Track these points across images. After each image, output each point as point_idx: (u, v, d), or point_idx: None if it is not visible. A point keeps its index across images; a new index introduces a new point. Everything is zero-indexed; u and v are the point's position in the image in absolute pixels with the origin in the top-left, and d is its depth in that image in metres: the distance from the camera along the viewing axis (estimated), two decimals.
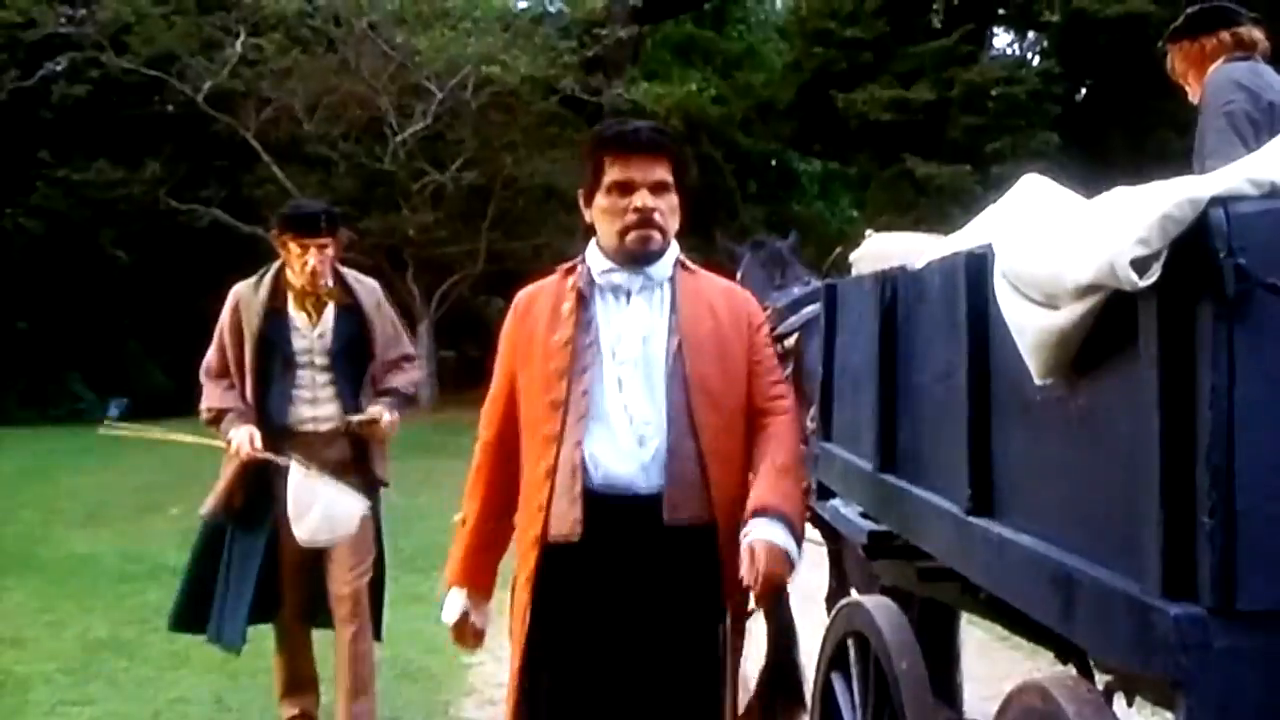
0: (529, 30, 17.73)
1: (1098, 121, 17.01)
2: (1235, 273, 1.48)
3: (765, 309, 5.24)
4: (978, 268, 2.17)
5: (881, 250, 3.56)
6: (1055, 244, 1.79)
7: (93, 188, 17.61)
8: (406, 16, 16.81)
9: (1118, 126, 16.13)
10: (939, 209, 15.46)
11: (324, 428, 4.65)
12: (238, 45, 16.41)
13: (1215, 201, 1.52)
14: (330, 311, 4.69)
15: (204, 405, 4.66)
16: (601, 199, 2.73)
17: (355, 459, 4.70)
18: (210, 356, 4.71)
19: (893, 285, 2.81)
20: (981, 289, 2.13)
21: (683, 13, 23.54)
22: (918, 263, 2.72)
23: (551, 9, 19.05)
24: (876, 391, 2.83)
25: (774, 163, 23.36)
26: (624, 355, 2.72)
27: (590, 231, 2.87)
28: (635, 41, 19.98)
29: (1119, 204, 1.68)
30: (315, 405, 4.66)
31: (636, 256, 2.72)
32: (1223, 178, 1.59)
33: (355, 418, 4.63)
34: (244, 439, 4.52)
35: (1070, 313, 1.72)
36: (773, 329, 4.97)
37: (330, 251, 4.67)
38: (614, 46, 18.07)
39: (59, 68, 17.42)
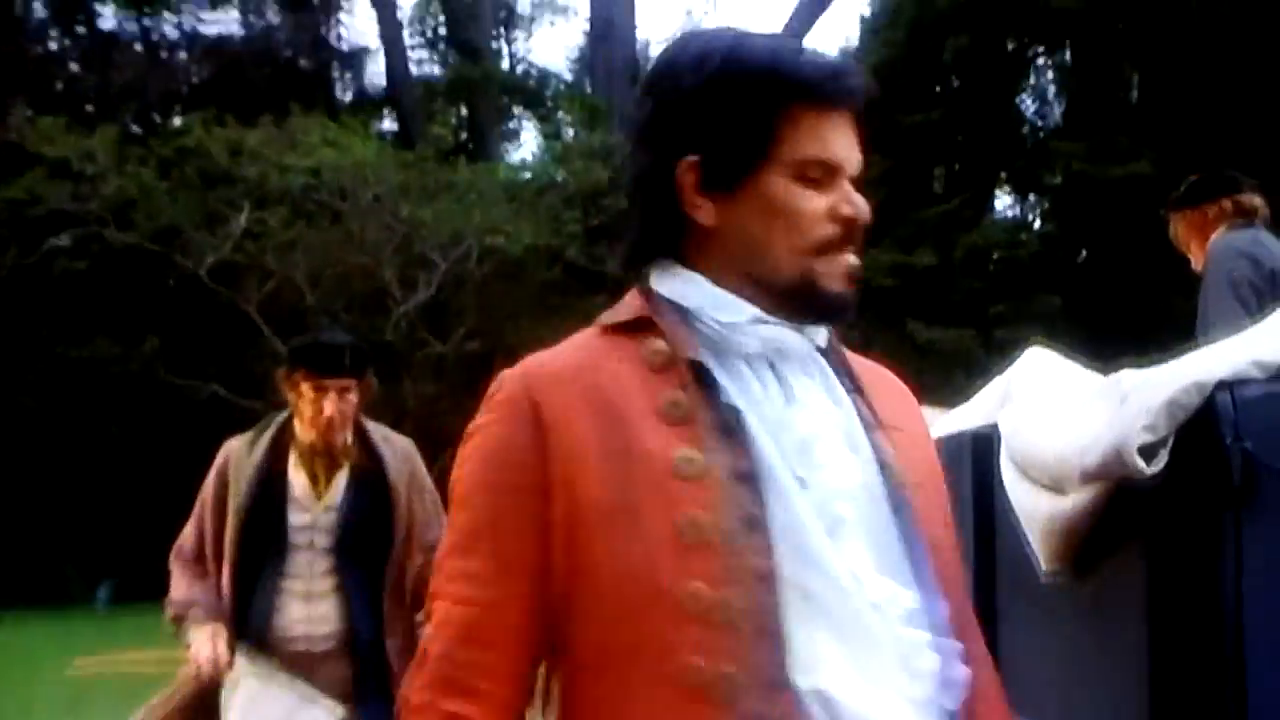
0: (533, 200, 18.04)
1: (1099, 283, 17.21)
2: (1242, 460, 1.50)
3: None
4: (983, 448, 2.20)
5: None
6: (1062, 428, 1.82)
7: (90, 364, 17.69)
8: (411, 189, 17.08)
9: (1119, 288, 16.31)
10: (942, 373, 15.53)
11: (320, 640, 3.66)
12: (242, 219, 16.66)
13: (1221, 385, 1.54)
14: (343, 478, 3.74)
15: (169, 598, 3.76)
16: (778, 181, 1.43)
17: (362, 678, 3.63)
18: (184, 534, 3.83)
19: None
20: (987, 470, 2.16)
21: None
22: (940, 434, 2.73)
23: (557, 179, 19.39)
24: None
25: None
26: (825, 480, 1.38)
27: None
28: None
29: (1126, 388, 1.71)
30: (310, 604, 3.68)
31: (832, 305, 1.48)
32: (1228, 358, 1.62)
33: None
34: (203, 649, 3.55)
35: (1077, 499, 1.75)
36: None
37: (354, 398, 3.71)
38: (617, 215, 18.37)
39: (62, 243, 17.69)
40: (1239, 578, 1.50)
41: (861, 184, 1.51)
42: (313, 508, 3.72)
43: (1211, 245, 4.53)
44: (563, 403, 1.42)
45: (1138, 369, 1.76)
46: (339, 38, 26.06)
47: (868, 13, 21.48)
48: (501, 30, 28.08)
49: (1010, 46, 19.23)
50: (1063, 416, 1.85)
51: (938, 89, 18.71)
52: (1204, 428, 1.53)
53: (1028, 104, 23.24)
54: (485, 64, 24.84)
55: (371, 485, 3.77)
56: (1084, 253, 18.58)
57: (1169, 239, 4.91)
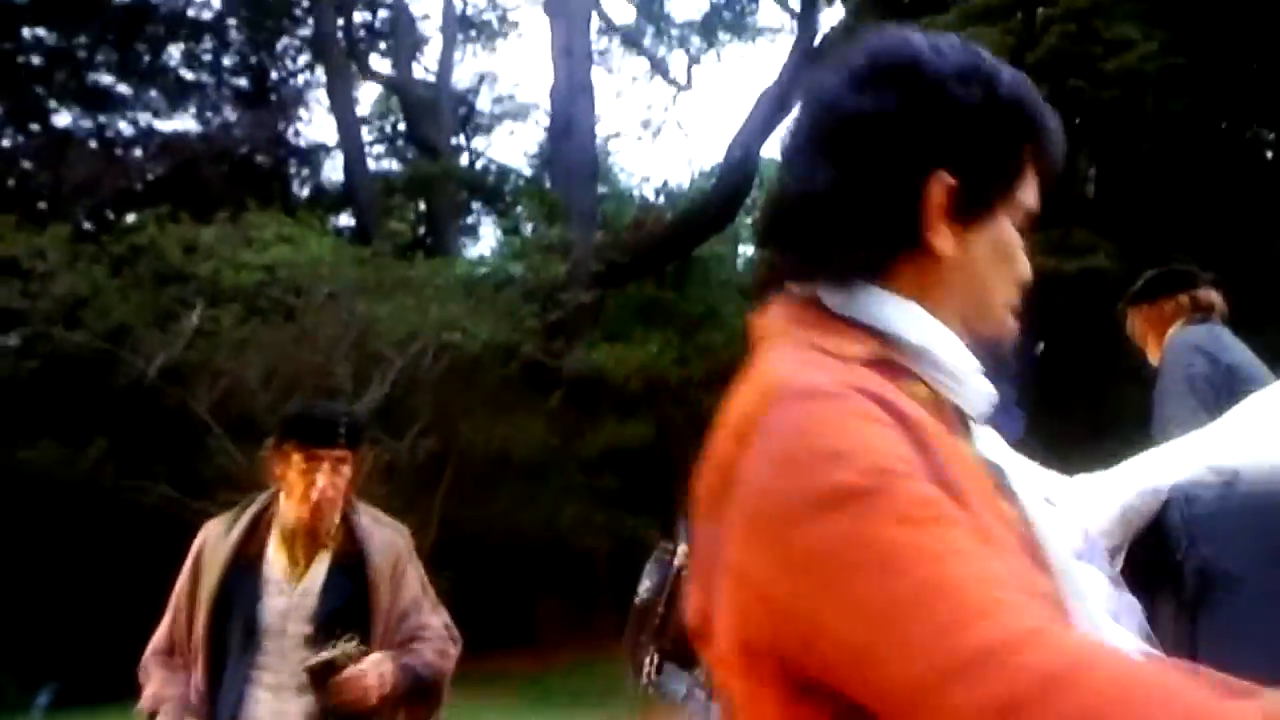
0: (491, 296, 18.06)
1: (1057, 377, 17.32)
2: (1195, 571, 1.47)
3: None
4: None
5: None
6: None
7: (35, 467, 17.43)
8: (367, 285, 17.06)
9: (1076, 382, 16.44)
10: None
11: None
12: (194, 317, 16.58)
13: (1175, 493, 1.52)
14: (324, 562, 3.56)
15: (144, 694, 3.56)
16: (1007, 224, 1.36)
17: None
18: (161, 628, 3.64)
19: None
20: None
21: (644, 276, 24.10)
22: None
23: (515, 274, 19.44)
24: None
25: None
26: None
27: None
28: (596, 305, 20.37)
29: (1080, 494, 1.68)
30: (280, 698, 3.45)
31: (1004, 371, 1.46)
32: (1183, 462, 1.59)
33: (317, 658, 3.40)
34: None
35: None
36: None
37: (348, 471, 3.57)
38: (576, 311, 18.40)
39: (10, 344, 17.54)
40: None
41: None
42: (289, 592, 3.52)
43: (1168, 341, 4.56)
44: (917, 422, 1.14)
45: (1091, 473, 1.74)
46: (296, 134, 26.22)
47: None
48: (461, 128, 28.31)
49: None
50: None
51: None
52: (1157, 537, 1.50)
53: None
54: (444, 160, 25.00)
55: (353, 572, 3.59)
56: (1041, 344, 18.71)
57: (1126, 333, 4.94)
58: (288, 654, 3.47)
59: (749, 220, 26.52)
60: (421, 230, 24.35)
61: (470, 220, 28.80)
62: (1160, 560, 1.50)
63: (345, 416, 3.69)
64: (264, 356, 16.83)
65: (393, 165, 28.38)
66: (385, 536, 3.71)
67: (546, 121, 27.30)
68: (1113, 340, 5.26)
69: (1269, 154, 19.69)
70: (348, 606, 3.54)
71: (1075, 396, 16.26)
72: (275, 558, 3.58)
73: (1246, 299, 4.88)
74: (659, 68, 31.77)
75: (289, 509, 3.57)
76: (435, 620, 3.78)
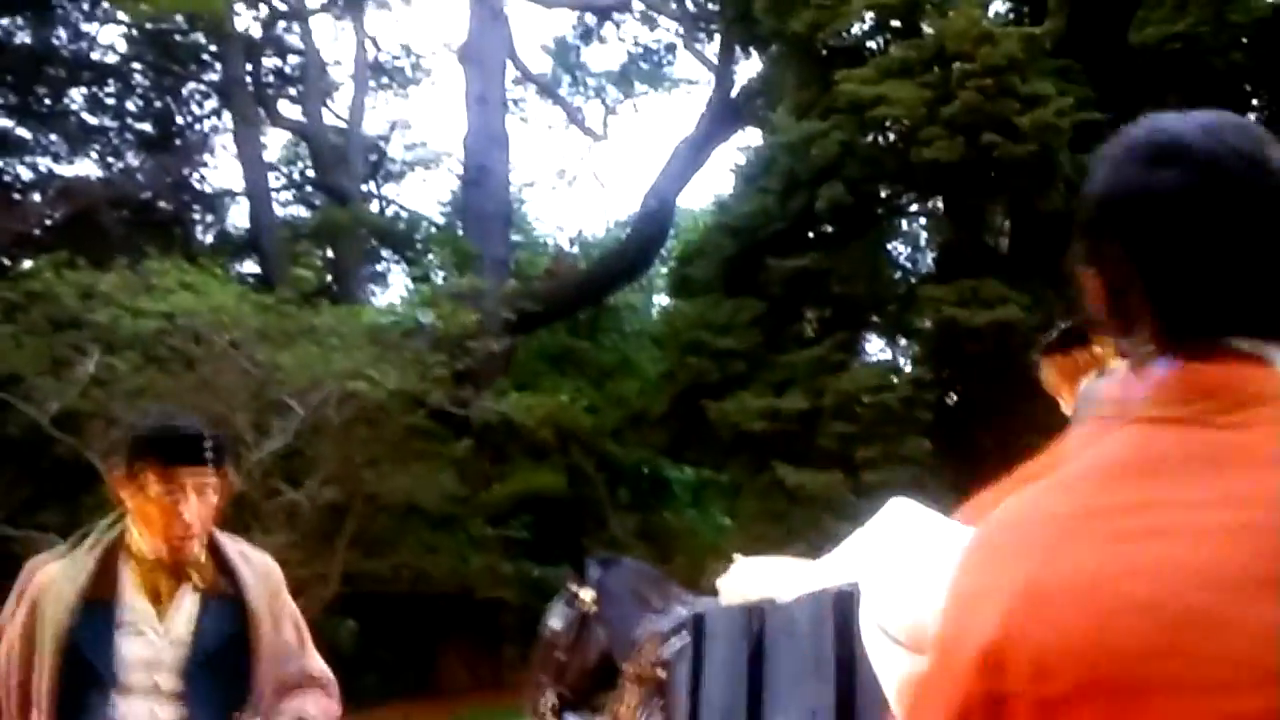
0: (398, 344, 17.88)
1: (968, 427, 17.50)
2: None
3: (640, 642, 5.11)
4: (845, 607, 2.10)
5: (749, 576, 3.49)
6: (919, 586, 1.72)
7: None
8: (270, 333, 16.83)
9: (988, 432, 16.59)
10: (811, 517, 15.59)
11: None
12: (90, 365, 16.23)
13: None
14: (191, 601, 3.12)
15: None
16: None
17: None
18: None
19: (761, 618, 2.72)
20: (849, 628, 2.05)
21: (556, 323, 24.06)
22: (786, 594, 2.64)
23: (423, 322, 19.28)
24: None
25: (646, 471, 23.57)
26: None
27: None
28: (508, 353, 20.27)
29: None
30: None
31: None
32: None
33: None
34: None
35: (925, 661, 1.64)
36: (655, 657, 4.83)
37: (213, 497, 3.12)
38: (485, 359, 18.27)
39: None
40: None
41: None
42: (154, 638, 3.03)
43: (1082, 391, 4.56)
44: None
45: None
46: (201, 180, 25.91)
47: (742, 162, 21.93)
48: (371, 175, 28.13)
49: (883, 194, 19.73)
50: (921, 573, 1.75)
51: (810, 235, 19.07)
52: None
53: (899, 250, 23.88)
54: (353, 207, 24.81)
55: (227, 609, 3.11)
56: (954, 396, 18.89)
57: (1039, 383, 4.94)
58: (157, 712, 2.99)
59: (664, 270, 26.61)
60: (328, 278, 24.14)
61: (379, 268, 28.61)
62: None
63: (209, 431, 3.18)
64: (161, 405, 16.46)
65: (300, 212, 28.13)
66: (259, 566, 3.27)
67: (460, 169, 27.25)
68: (1024, 391, 5.27)
69: None
70: (225, 649, 3.09)
71: (988, 447, 16.39)
72: (133, 598, 3.08)
73: None
74: (574, 118, 31.86)
75: (145, 541, 3.09)
76: (315, 664, 3.38)
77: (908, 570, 1.85)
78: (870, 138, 18.19)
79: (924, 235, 23.92)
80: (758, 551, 3.77)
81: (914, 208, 21.80)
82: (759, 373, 18.29)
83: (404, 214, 29.52)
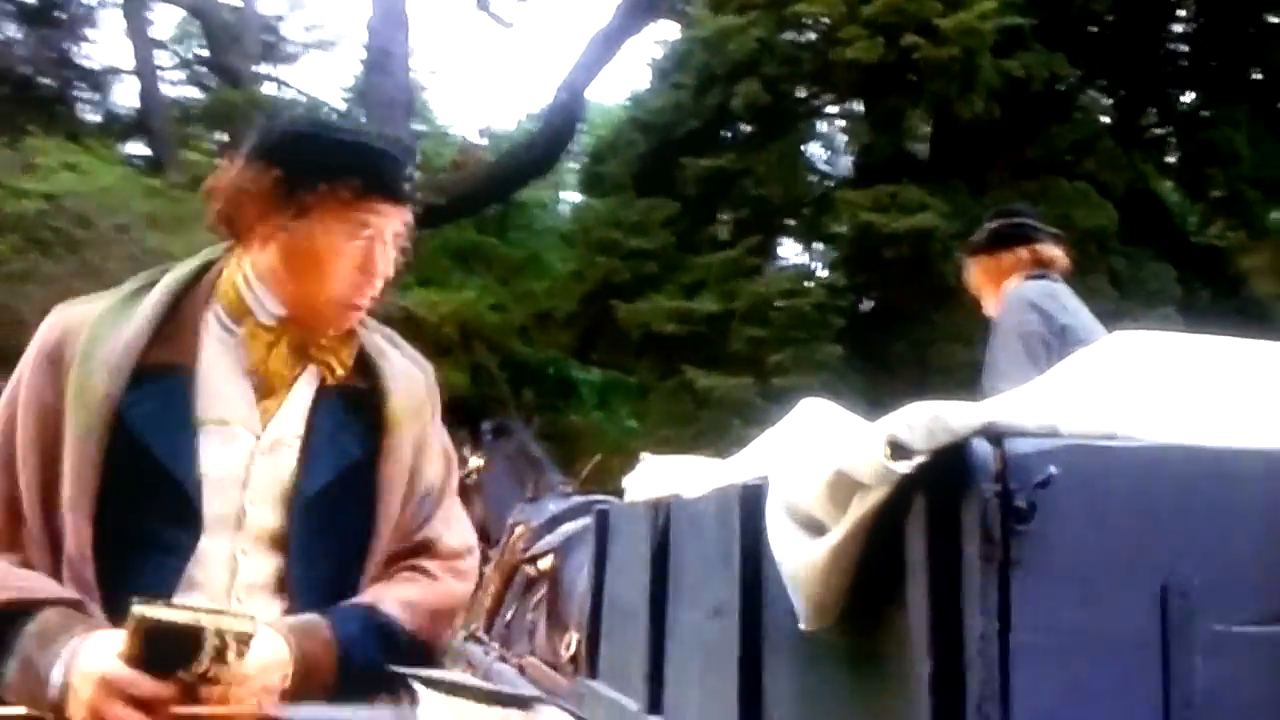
0: None
1: (882, 334, 17.71)
2: (1007, 513, 1.49)
3: (517, 525, 5.18)
4: (752, 500, 2.17)
5: (656, 474, 3.56)
6: (823, 460, 1.79)
7: None
8: (160, 218, 16.55)
9: (902, 339, 16.83)
10: (719, 421, 15.77)
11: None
12: None
13: (992, 436, 1.53)
14: (308, 391, 2.16)
15: None
16: None
17: None
18: None
19: (666, 514, 2.79)
20: (756, 523, 2.13)
21: (463, 218, 23.88)
22: (693, 490, 2.70)
23: None
24: (647, 627, 2.78)
25: (552, 371, 23.62)
26: None
27: None
28: (411, 248, 20.11)
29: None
30: None
31: None
32: (1003, 410, 1.61)
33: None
34: (94, 687, 1.74)
35: (839, 540, 1.71)
36: (525, 549, 4.90)
37: (401, 239, 2.21)
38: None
39: None
40: (1003, 634, 1.49)
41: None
42: (251, 446, 2.08)
43: (1005, 294, 4.65)
44: None
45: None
46: (86, 56, 25.22)
47: (657, 56, 21.78)
48: (266, 56, 27.55)
49: (801, 95, 19.73)
50: (826, 451, 1.82)
51: (726, 134, 19.06)
52: (968, 476, 1.51)
53: (817, 153, 23.94)
54: (247, 89, 24.32)
55: (356, 420, 2.17)
56: (868, 303, 19.11)
57: (955, 286, 5.04)
58: (244, 562, 2.04)
59: (575, 166, 26.47)
60: (221, 162, 23.67)
61: None
62: (970, 500, 1.50)
63: (407, 152, 2.23)
64: (45, 290, 16.17)
65: (191, 93, 27.52)
66: (411, 362, 2.32)
67: (361, 53, 26.78)
68: (940, 299, 5.36)
69: (1105, 119, 20.33)
70: (350, 475, 2.11)
71: (901, 354, 16.65)
72: (224, 379, 2.11)
73: (1071, 261, 5.00)
74: (483, 3, 31.38)
75: (263, 294, 2.15)
76: (457, 524, 2.33)
77: (816, 458, 1.92)
78: (789, 35, 18.16)
79: (843, 138, 23.98)
80: (665, 454, 3.84)
81: (833, 109, 21.85)
82: (671, 274, 18.35)
83: (302, 98, 29.02)
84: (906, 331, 16.80)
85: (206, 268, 2.24)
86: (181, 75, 28.27)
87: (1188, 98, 20.49)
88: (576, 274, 20.85)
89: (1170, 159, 20.67)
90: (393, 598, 2.11)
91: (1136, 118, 20.33)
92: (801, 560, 1.77)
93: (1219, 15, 18.54)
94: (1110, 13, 18.38)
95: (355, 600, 2.09)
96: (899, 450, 1.54)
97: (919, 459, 1.53)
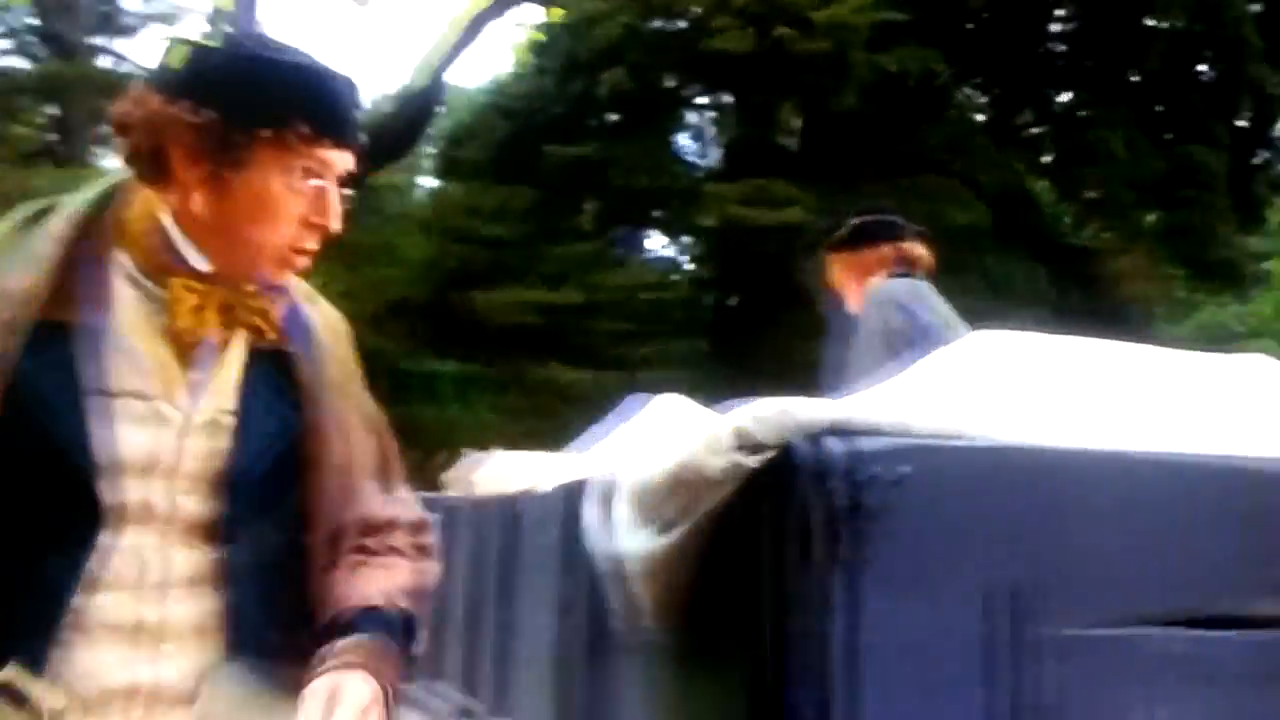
0: None
1: (748, 329, 17.87)
2: (856, 512, 1.51)
3: None
4: (601, 495, 2.18)
5: (507, 470, 3.57)
6: (671, 455, 1.81)
7: None
8: None
9: (768, 334, 17.00)
10: (584, 416, 15.76)
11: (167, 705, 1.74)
12: None
13: (834, 433, 1.55)
14: (240, 362, 1.90)
15: None
16: None
17: None
18: None
19: (514, 511, 2.80)
20: (576, 522, 2.13)
21: None
22: (542, 486, 2.72)
23: None
24: (494, 627, 2.79)
25: (405, 364, 23.40)
26: None
27: None
28: None
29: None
30: (140, 642, 1.74)
31: None
32: (855, 407, 1.63)
33: None
34: None
35: (679, 536, 1.73)
36: None
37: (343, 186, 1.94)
38: None
39: None
40: (850, 634, 1.52)
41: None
42: (176, 420, 1.82)
43: (869, 292, 4.70)
44: None
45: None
46: None
47: (521, 40, 21.73)
48: (102, 28, 26.89)
49: (669, 85, 19.81)
50: (677, 451, 1.84)
51: (591, 123, 19.08)
52: (817, 473, 1.54)
53: (686, 144, 24.06)
54: (81, 62, 23.72)
55: (289, 385, 1.94)
56: (734, 298, 19.28)
57: (824, 280, 5.07)
58: (168, 555, 1.81)
59: (430, 150, 26.28)
60: (52, 137, 23.08)
61: (110, 130, 27.43)
62: (806, 497, 1.53)
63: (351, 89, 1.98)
64: None
65: (20, 63, 26.76)
66: (331, 320, 2.10)
67: (205, 28, 26.25)
68: (808, 295, 5.43)
69: (980, 116, 20.73)
70: (290, 451, 1.92)
71: (767, 349, 16.81)
72: (141, 343, 1.84)
73: (936, 260, 5.09)
74: None
75: (203, 241, 1.88)
76: (401, 496, 2.12)
77: (664, 453, 1.95)
78: (657, 23, 18.24)
79: (712, 130, 24.14)
80: (526, 449, 3.85)
81: (702, 100, 21.98)
82: (531, 264, 18.32)
83: (140, 72, 28.37)
84: (774, 327, 16.97)
85: (106, 201, 1.92)
86: (8, 44, 27.49)
87: (1065, 98, 20.99)
88: (431, 262, 20.68)
89: (1046, 159, 21.14)
90: (396, 589, 1.94)
91: (1012, 116, 20.78)
92: (646, 556, 1.78)
93: (1098, 16, 19.02)
94: (987, 10, 18.77)
95: (368, 596, 1.91)
96: (747, 444, 1.56)
97: (767, 454, 1.56)
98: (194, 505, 1.83)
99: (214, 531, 1.84)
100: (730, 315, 18.65)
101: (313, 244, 1.93)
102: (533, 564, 2.63)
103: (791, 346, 16.17)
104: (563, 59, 18.57)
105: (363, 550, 1.97)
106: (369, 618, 1.86)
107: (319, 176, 1.88)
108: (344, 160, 1.92)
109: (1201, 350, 2.39)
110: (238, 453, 1.85)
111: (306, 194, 1.87)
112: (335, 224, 1.92)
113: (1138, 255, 20.43)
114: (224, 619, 1.82)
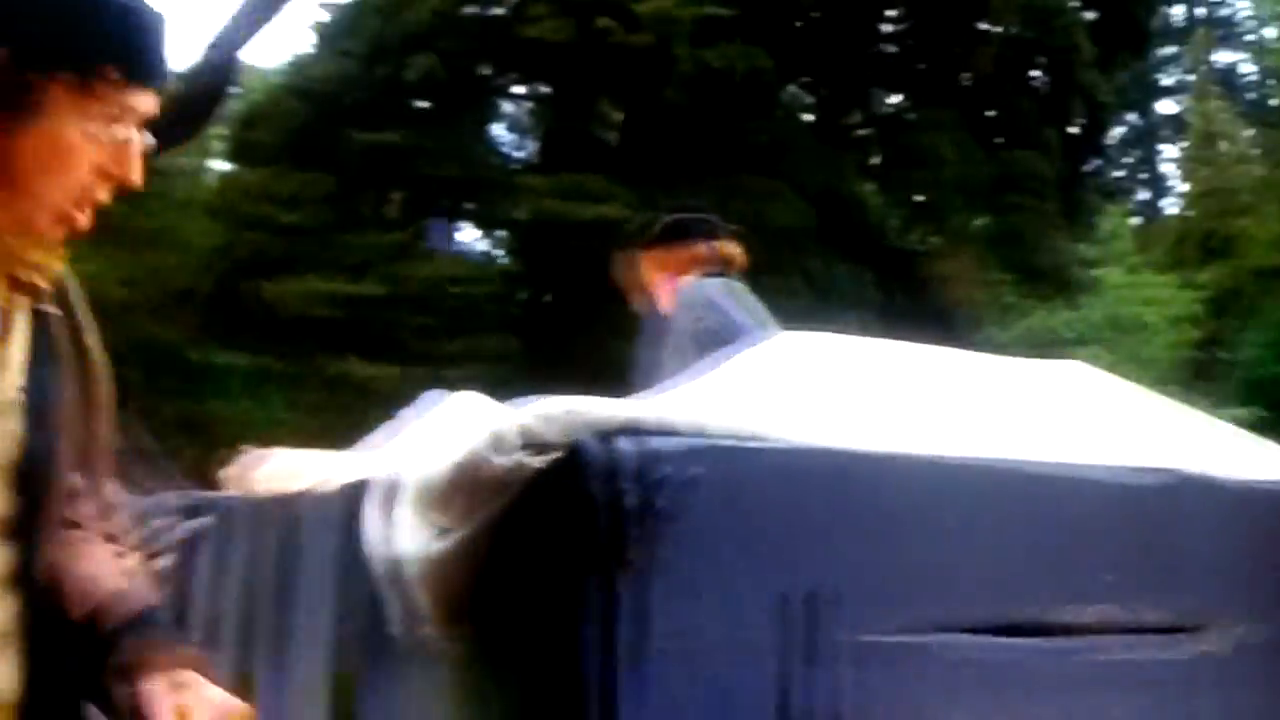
0: None
1: (562, 326, 17.88)
2: (646, 514, 1.50)
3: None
4: (383, 496, 2.15)
5: (289, 469, 3.50)
6: (455, 452, 1.79)
7: None
8: None
9: (583, 333, 17.02)
10: (385, 413, 15.60)
11: None
12: None
13: (634, 429, 1.55)
14: (24, 335, 1.78)
15: None
16: None
17: None
18: None
19: (292, 512, 2.75)
20: (355, 524, 2.11)
21: None
22: (324, 486, 2.68)
23: None
24: (269, 634, 2.74)
25: (192, 355, 22.89)
26: None
27: None
28: None
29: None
30: None
31: None
32: (650, 407, 1.63)
33: None
34: None
35: (462, 537, 1.71)
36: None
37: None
38: None
39: None
40: (639, 639, 1.51)
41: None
42: None
43: (681, 291, 4.72)
44: None
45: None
46: None
47: (323, 19, 21.37)
48: None
49: (484, 73, 19.72)
50: (462, 448, 1.82)
51: (398, 109, 18.88)
52: (607, 474, 1.53)
53: (501, 135, 23.98)
54: None
55: (65, 355, 1.84)
56: (548, 294, 19.27)
57: (636, 278, 5.08)
58: None
59: (222, 132, 25.74)
60: None
61: None
62: (584, 500, 1.52)
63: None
64: None
65: None
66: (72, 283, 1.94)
67: None
68: (622, 292, 5.43)
69: (807, 116, 21.02)
70: (69, 430, 1.82)
71: (581, 344, 16.81)
72: None
73: (758, 260, 5.14)
74: None
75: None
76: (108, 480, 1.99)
77: (449, 451, 1.93)
78: (471, 9, 18.14)
79: (529, 121, 24.10)
80: (321, 446, 3.77)
81: (519, 90, 21.91)
82: (329, 254, 18.05)
83: None
84: (589, 325, 16.99)
85: None
86: None
87: (894, 99, 21.42)
88: (221, 249, 20.25)
89: (873, 161, 21.52)
90: (148, 588, 1.85)
91: (840, 117, 21.12)
92: (425, 559, 1.76)
93: (929, 18, 19.46)
94: (816, 8, 19.05)
95: (140, 600, 1.79)
96: (533, 443, 1.55)
97: (553, 453, 1.55)
98: None
99: (8, 527, 1.72)
100: (544, 312, 18.63)
101: (105, 197, 1.81)
102: (311, 569, 2.59)
103: (607, 346, 16.21)
104: (369, 42, 18.35)
105: (97, 534, 1.87)
106: (147, 612, 1.77)
107: (121, 122, 1.77)
108: (149, 104, 1.80)
109: (1027, 356, 2.45)
110: (27, 437, 1.73)
111: (106, 143, 1.75)
112: (136, 177, 1.81)
113: (965, 260, 20.93)
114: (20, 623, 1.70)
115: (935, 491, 1.71)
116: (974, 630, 1.70)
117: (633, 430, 1.55)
